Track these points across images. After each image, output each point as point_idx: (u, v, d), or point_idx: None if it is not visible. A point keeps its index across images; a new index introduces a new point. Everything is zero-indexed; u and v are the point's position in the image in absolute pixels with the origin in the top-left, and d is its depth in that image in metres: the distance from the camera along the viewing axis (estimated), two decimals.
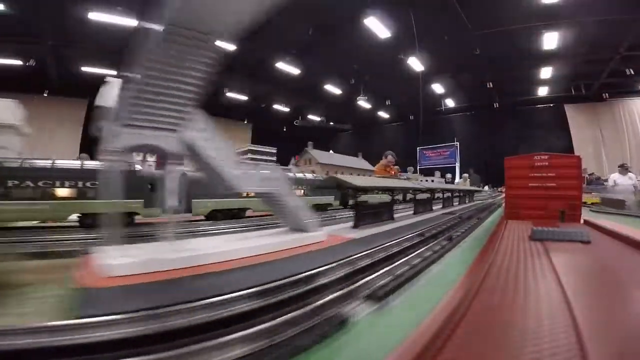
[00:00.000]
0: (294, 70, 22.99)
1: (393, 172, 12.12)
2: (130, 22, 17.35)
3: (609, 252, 2.77)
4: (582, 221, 5.18)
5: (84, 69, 22.75)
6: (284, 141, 36.00)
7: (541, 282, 1.79)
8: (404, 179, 12.23)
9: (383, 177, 10.42)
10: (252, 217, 8.09)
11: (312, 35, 17.94)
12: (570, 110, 28.89)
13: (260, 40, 18.99)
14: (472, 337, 1.13)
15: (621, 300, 1.66)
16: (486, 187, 23.49)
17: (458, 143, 33.39)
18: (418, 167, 34.04)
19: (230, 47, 19.75)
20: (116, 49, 19.91)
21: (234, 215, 7.57)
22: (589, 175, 23.36)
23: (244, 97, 28.45)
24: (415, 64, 21.40)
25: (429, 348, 0.99)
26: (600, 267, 2.29)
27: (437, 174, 23.30)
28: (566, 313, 1.31)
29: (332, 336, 1.80)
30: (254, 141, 35.01)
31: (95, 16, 17.07)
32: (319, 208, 8.85)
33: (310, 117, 34.24)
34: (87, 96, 26.61)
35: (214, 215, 7.33)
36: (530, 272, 1.99)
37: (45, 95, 25.16)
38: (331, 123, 35.19)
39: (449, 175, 23.15)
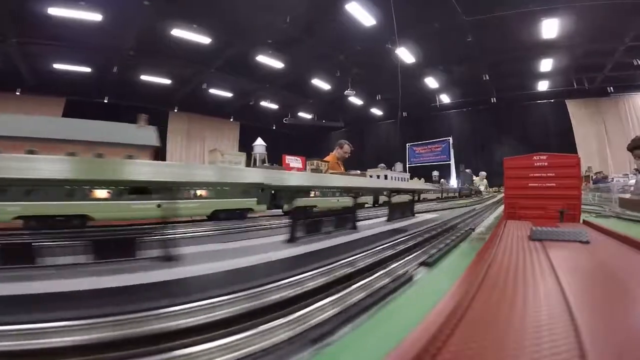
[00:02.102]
0: (277, 64, 21.74)
1: (342, 168, 10.25)
2: (95, 16, 16.32)
3: (608, 251, 2.77)
4: (581, 221, 5.21)
5: (56, 66, 21.63)
6: (274, 139, 34.87)
7: (540, 282, 1.77)
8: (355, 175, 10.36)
9: (337, 173, 8.78)
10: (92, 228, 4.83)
11: (289, 24, 16.60)
12: (572, 106, 27.59)
13: (235, 31, 17.81)
14: (471, 338, 1.10)
15: (621, 300, 1.58)
16: (481, 187, 22.03)
17: (451, 138, 31.64)
18: (407, 165, 32.63)
19: (205, 40, 18.64)
20: (84, 44, 19.10)
21: (62, 224, 4.74)
22: (596, 173, 22.03)
23: (227, 94, 27.25)
24: (405, 54, 20.05)
25: (428, 349, 0.97)
26: (599, 266, 2.29)
27: (399, 166, 20.61)
28: (565, 313, 1.29)
29: None
30: (242, 139, 33.88)
31: (56, 12, 15.97)
32: (231, 215, 6.48)
33: (301, 114, 32.99)
34: (65, 94, 25.72)
35: (27, 224, 4.66)
36: (529, 272, 1.96)
37: (18, 93, 24.01)
38: (323, 121, 33.84)
39: (435, 173, 21.37)
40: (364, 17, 16.48)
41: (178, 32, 17.90)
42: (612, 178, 18.55)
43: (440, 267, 3.02)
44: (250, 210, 6.74)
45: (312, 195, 7.93)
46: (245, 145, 33.34)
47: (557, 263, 2.13)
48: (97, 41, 18.68)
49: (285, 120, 31.50)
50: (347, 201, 9.56)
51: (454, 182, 23.61)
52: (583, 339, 1.03)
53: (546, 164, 5.84)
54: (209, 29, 17.84)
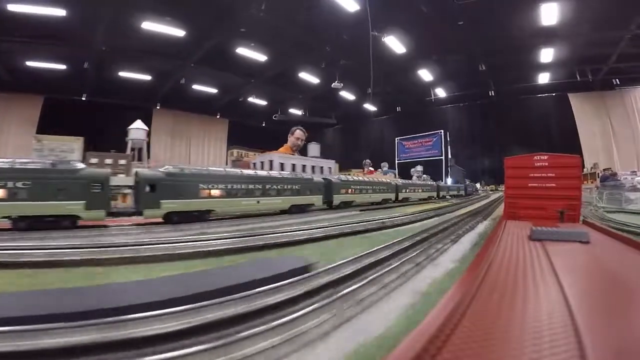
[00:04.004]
0: (259, 57, 20.50)
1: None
2: (58, 11, 15.37)
3: (608, 252, 2.74)
4: (580, 221, 5.13)
5: (30, 63, 20.64)
6: (264, 137, 33.59)
7: (540, 282, 1.76)
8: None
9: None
10: None
11: (265, 12, 15.33)
12: (575, 100, 26.16)
13: (207, 22, 16.57)
14: (471, 337, 1.09)
15: (619, 299, 1.61)
16: (478, 185, 20.55)
17: (442, 131, 29.92)
18: (396, 161, 31.11)
19: (179, 32, 17.50)
20: (54, 41, 18.02)
21: None
22: (604, 170, 20.72)
23: (211, 90, 26.09)
24: (394, 43, 18.75)
25: (429, 348, 0.97)
26: (599, 266, 2.28)
27: (314, 148, 16.80)
28: (565, 313, 1.29)
29: None
30: (231, 137, 32.69)
31: (16, 8, 14.99)
32: (41, 224, 4.68)
33: (291, 111, 31.72)
34: (44, 92, 24.73)
35: None
36: (529, 272, 1.96)
37: None
38: (314, 117, 32.57)
39: (419, 168, 19.56)
40: (346, 2, 15.16)
41: (150, 26, 16.79)
42: (621, 175, 17.18)
43: None
44: (76, 218, 5.12)
45: (210, 193, 6.30)
46: (235, 142, 32.25)
47: (557, 263, 2.12)
48: (66, 37, 17.77)
49: (275, 117, 30.23)
50: (311, 200, 7.93)
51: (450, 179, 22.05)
52: (583, 339, 1.03)
53: (547, 164, 5.76)
54: (181, 21, 16.72)
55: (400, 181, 11.26)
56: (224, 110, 30.99)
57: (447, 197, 17.82)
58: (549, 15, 16.37)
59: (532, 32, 17.93)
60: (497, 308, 1.40)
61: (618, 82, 24.63)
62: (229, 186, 6.39)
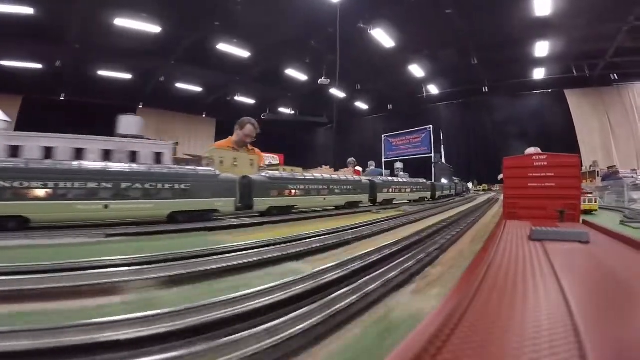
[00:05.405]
0: (242, 53, 19.73)
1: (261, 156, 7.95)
2: (27, 10, 14.68)
3: (609, 252, 2.71)
4: (581, 221, 4.98)
5: (2, 62, 19.90)
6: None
7: (540, 282, 1.71)
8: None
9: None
10: None
11: (241, 3, 14.54)
12: (572, 97, 25.41)
13: (183, 16, 15.80)
14: (471, 337, 1.07)
15: (621, 300, 1.56)
16: (470, 184, 19.71)
17: (431, 127, 28.77)
18: (383, 160, 30.35)
19: (155, 29, 16.74)
20: (20, 37, 17.27)
21: None
22: (608, 168, 19.87)
23: (195, 88, 25.35)
24: (382, 36, 18.00)
25: (428, 349, 0.95)
26: (599, 266, 2.23)
27: (129, 122, 13.28)
28: (565, 314, 1.26)
29: None
30: (219, 137, 31.94)
31: None
32: None
33: (281, 110, 30.96)
34: (22, 92, 24.05)
35: None
36: (529, 272, 1.89)
37: None
38: (303, 116, 31.82)
39: (398, 165, 18.39)
40: None
41: (123, 22, 16.10)
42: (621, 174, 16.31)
43: None
44: None
45: (18, 193, 4.56)
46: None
47: (557, 263, 2.06)
48: (36, 35, 17.08)
49: (264, 117, 29.36)
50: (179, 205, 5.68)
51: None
52: (583, 338, 1.01)
53: (545, 163, 5.69)
54: (156, 16, 15.98)
55: (380, 179, 9.91)
56: (210, 110, 30.33)
57: (441, 196, 16.96)
58: (543, 4, 15.66)
59: (526, 24, 17.19)
60: (497, 308, 1.35)
61: (616, 78, 23.90)
62: (53, 184, 4.57)
